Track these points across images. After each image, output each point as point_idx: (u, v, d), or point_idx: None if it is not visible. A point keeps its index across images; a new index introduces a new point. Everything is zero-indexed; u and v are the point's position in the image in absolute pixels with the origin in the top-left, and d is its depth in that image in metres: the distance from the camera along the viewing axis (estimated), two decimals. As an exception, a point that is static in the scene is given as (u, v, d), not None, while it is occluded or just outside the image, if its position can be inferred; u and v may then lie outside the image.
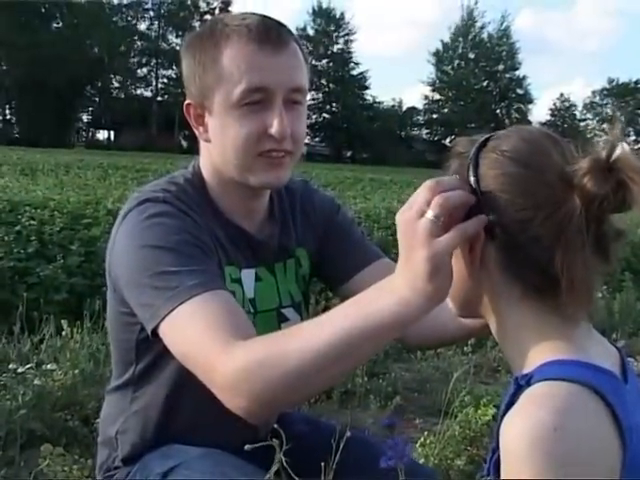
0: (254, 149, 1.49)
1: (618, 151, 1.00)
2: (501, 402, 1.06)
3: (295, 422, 1.80)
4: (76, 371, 3.43)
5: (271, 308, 1.67)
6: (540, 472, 0.90)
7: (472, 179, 1.08)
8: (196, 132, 1.59)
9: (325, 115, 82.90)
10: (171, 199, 1.50)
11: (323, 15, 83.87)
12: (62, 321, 3.85)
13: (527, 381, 1.01)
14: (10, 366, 3.31)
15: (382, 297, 1.11)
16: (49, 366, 3.41)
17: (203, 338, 1.28)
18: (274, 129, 1.47)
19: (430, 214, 1.04)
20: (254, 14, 1.54)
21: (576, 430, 0.91)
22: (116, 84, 78.65)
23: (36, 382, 3.17)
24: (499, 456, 0.98)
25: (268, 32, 1.48)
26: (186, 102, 1.57)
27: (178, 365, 1.38)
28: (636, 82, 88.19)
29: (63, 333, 3.78)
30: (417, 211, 1.05)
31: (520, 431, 0.92)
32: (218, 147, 1.54)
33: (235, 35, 1.48)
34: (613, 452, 0.94)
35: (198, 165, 1.65)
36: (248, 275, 1.63)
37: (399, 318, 1.10)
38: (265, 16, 1.54)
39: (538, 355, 1.04)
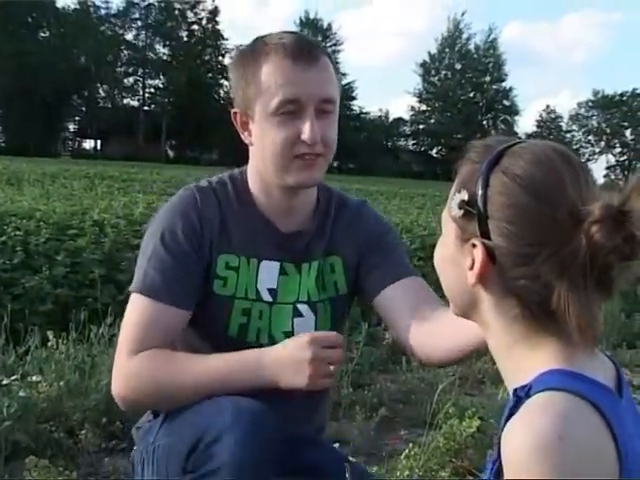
0: (289, 152, 1.69)
1: (632, 201, 0.97)
2: (501, 416, 1.05)
3: (309, 447, 1.88)
4: (61, 383, 3.41)
5: (289, 301, 1.84)
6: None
7: (480, 201, 1.07)
8: (242, 137, 1.80)
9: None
10: (201, 190, 1.82)
11: (310, 26, 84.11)
12: (47, 332, 3.83)
13: (526, 392, 1.01)
14: (-5, 378, 3.30)
15: (254, 376, 1.61)
16: (34, 378, 3.40)
17: (129, 331, 1.71)
18: (305, 135, 1.67)
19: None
20: (292, 33, 1.75)
21: (578, 439, 0.92)
22: (103, 93, 78.67)
23: (21, 394, 3.15)
24: (499, 467, 0.98)
25: (302, 49, 1.68)
26: (233, 111, 1.79)
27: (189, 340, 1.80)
28: (621, 94, 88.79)
29: (48, 344, 3.76)
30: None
31: (523, 440, 0.92)
32: (259, 150, 1.75)
33: (273, 52, 1.69)
34: (611, 464, 0.94)
35: (246, 168, 1.88)
36: (270, 266, 1.83)
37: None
38: (301, 35, 1.78)
39: (534, 366, 1.04)
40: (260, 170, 1.79)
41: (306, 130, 1.66)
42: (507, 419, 1.01)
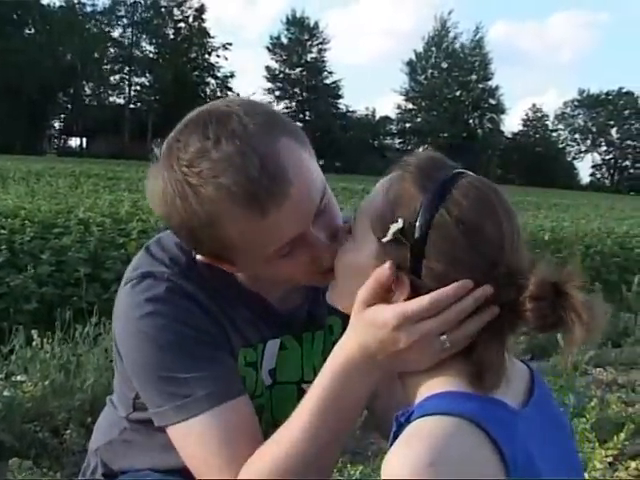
0: (298, 277, 1.34)
1: (571, 288, 0.99)
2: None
3: None
4: (46, 382, 3.41)
5: (291, 381, 1.55)
6: None
7: (418, 238, 1.02)
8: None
9: (298, 123, 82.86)
10: (176, 277, 1.37)
11: (297, 24, 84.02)
12: (32, 331, 3.83)
13: (407, 418, 1.00)
14: (-21, 377, 3.29)
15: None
16: (19, 377, 3.41)
17: (207, 465, 1.28)
18: (317, 262, 1.28)
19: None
20: (213, 137, 1.20)
21: (452, 464, 0.91)
22: (89, 91, 78.19)
23: (6, 393, 3.15)
24: None
25: (256, 190, 1.18)
26: (194, 256, 1.38)
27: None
28: (607, 93, 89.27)
29: (33, 343, 3.76)
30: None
31: (398, 468, 0.93)
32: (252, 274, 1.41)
33: (222, 207, 1.20)
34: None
35: None
36: (273, 345, 1.51)
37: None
38: (240, 145, 1.19)
39: (426, 389, 1.04)
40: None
41: (318, 260, 1.27)
42: (391, 444, 1.00)
